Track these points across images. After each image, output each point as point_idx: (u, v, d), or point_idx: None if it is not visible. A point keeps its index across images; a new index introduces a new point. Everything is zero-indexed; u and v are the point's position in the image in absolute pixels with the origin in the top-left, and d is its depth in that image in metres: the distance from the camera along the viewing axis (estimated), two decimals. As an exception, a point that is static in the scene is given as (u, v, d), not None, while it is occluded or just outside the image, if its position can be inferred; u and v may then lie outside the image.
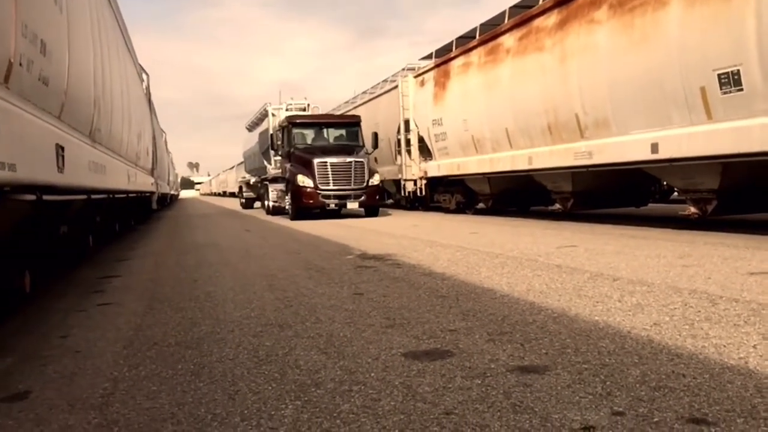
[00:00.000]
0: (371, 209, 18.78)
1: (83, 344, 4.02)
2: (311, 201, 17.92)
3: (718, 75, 8.74)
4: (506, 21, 15.23)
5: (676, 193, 14.25)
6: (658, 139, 10.06)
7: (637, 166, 10.93)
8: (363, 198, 18.20)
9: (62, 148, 5.16)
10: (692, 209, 10.23)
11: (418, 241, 9.96)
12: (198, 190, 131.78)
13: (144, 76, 18.79)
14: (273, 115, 24.07)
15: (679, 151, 9.69)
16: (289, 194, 18.98)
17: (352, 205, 18.24)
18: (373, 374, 3.13)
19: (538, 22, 13.49)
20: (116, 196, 11.64)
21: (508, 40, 14.72)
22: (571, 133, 12.36)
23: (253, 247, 10.48)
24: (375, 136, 20.23)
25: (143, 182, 15.85)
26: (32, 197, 4.47)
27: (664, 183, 13.80)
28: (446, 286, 5.64)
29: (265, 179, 24.35)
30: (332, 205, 18.09)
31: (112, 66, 8.87)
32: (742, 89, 8.44)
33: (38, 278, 6.35)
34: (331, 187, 17.93)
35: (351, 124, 20.37)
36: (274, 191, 22.25)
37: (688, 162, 9.74)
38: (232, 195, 64.41)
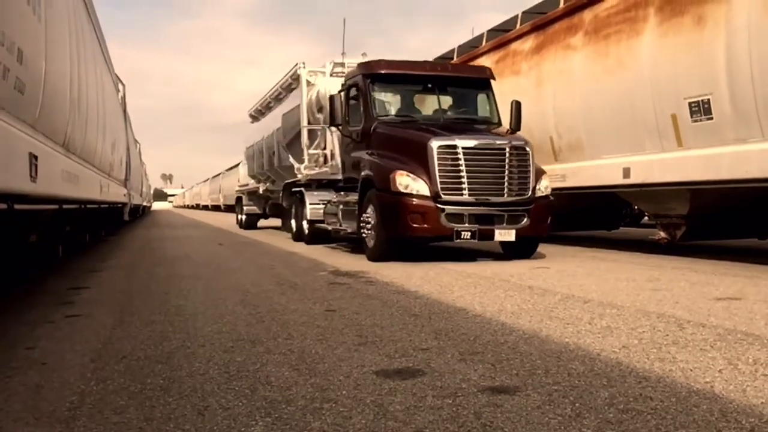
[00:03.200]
0: (530, 243, 9.93)
1: (50, 356, 3.95)
2: (425, 225, 9.13)
3: (689, 103, 8.93)
4: (484, 44, 15.43)
5: (646, 218, 14.48)
6: (629, 164, 10.23)
7: (609, 190, 11.10)
8: (525, 221, 9.40)
9: (36, 157, 5.10)
10: (662, 234, 10.39)
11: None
12: (171, 202, 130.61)
13: (120, 86, 18.64)
14: (309, 83, 14.65)
15: (650, 176, 9.86)
16: (369, 210, 9.80)
17: (504, 236, 9.36)
18: (344, 392, 3.12)
19: (515, 45, 13.70)
20: (88, 206, 11.52)
21: (485, 62, 14.89)
22: (546, 155, 12.51)
23: (225, 260, 10.41)
24: (518, 106, 10.91)
25: (116, 193, 15.68)
26: (3, 206, 4.41)
27: (635, 207, 14.03)
28: (419, 304, 5.65)
29: (294, 184, 15.34)
30: (466, 235, 9.19)
31: (88, 75, 8.81)
32: (712, 118, 8.64)
33: (5, 287, 6.24)
34: (465, 197, 9.20)
35: (478, 80, 11.21)
36: (317, 204, 13.35)
37: (659, 187, 9.91)
38: (205, 208, 63.94)
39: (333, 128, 12.26)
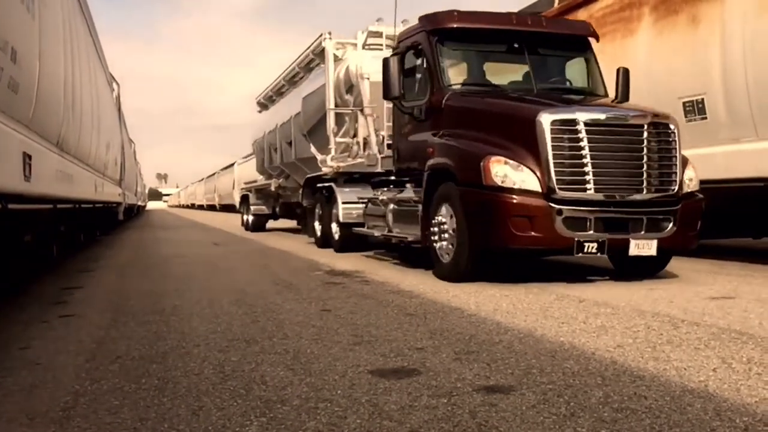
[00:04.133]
0: (666, 256, 7.25)
1: (44, 356, 3.94)
2: (533, 233, 6.58)
3: (683, 103, 8.95)
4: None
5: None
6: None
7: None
8: (670, 227, 6.86)
9: (29, 157, 5.09)
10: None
11: (384, 259, 9.96)
12: (166, 201, 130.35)
13: (114, 86, 18.60)
14: (337, 57, 12.13)
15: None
16: (444, 211, 7.34)
17: (642, 249, 6.69)
18: (339, 391, 3.12)
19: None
20: (82, 206, 11.49)
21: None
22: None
23: (221, 259, 10.40)
24: (625, 74, 8.47)
25: (110, 192, 15.65)
26: (-3, 205, 4.40)
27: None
28: (414, 304, 5.66)
29: (320, 179, 12.73)
30: (591, 248, 6.58)
31: (82, 74, 8.79)
32: (706, 117, 8.66)
33: (-1, 288, 6.22)
34: (590, 193, 6.66)
35: (577, 40, 8.60)
36: (353, 203, 10.96)
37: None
38: (200, 207, 63.81)
39: (367, 111, 10.49)
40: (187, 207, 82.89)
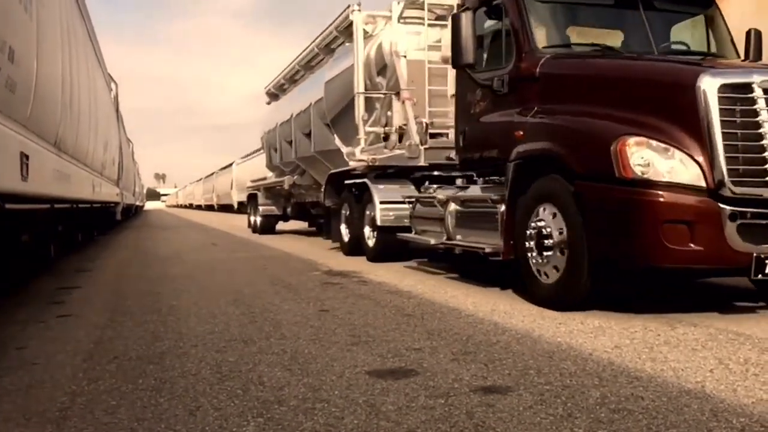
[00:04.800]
0: None
1: (41, 356, 3.94)
2: (693, 245, 4.61)
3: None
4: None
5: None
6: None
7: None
8: None
9: (27, 157, 5.08)
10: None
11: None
12: (164, 201, 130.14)
13: (113, 85, 18.57)
14: (367, 33, 10.40)
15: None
16: (546, 214, 5.44)
17: None
18: (336, 392, 3.12)
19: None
20: (80, 205, 11.49)
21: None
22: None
23: (219, 259, 10.40)
24: (758, 36, 6.78)
25: (108, 192, 15.63)
26: (-6, 205, 4.40)
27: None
28: (412, 304, 5.65)
29: (347, 175, 10.56)
30: None
31: (80, 74, 8.78)
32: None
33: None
34: None
35: None
36: (395, 202, 9.03)
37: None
38: (198, 207, 63.71)
39: (405, 94, 9.10)
40: (185, 207, 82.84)
